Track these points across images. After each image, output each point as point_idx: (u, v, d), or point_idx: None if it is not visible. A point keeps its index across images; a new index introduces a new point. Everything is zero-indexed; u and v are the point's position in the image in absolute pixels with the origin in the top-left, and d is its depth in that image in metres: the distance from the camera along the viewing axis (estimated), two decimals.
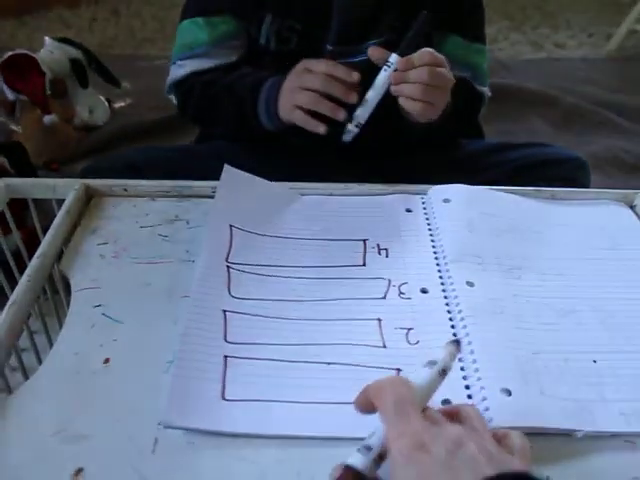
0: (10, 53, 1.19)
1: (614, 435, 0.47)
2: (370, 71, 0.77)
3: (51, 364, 0.51)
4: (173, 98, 0.93)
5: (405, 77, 0.69)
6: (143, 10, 2.40)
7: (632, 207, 0.74)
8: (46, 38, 1.29)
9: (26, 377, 0.60)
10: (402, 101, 0.70)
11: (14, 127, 1.16)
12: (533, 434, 0.45)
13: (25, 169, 0.94)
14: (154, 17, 2.33)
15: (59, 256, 0.63)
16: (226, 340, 0.52)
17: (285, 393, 0.48)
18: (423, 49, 0.70)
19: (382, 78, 0.70)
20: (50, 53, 1.25)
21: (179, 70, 0.88)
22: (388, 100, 0.72)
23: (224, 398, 0.47)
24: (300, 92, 0.72)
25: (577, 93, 1.74)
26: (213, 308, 0.55)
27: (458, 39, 0.87)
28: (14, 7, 2.21)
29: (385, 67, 0.70)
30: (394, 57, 0.69)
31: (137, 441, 0.45)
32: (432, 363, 0.40)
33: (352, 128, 0.72)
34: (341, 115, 0.71)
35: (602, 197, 0.74)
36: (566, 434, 0.46)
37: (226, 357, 0.51)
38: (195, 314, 0.54)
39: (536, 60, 2.09)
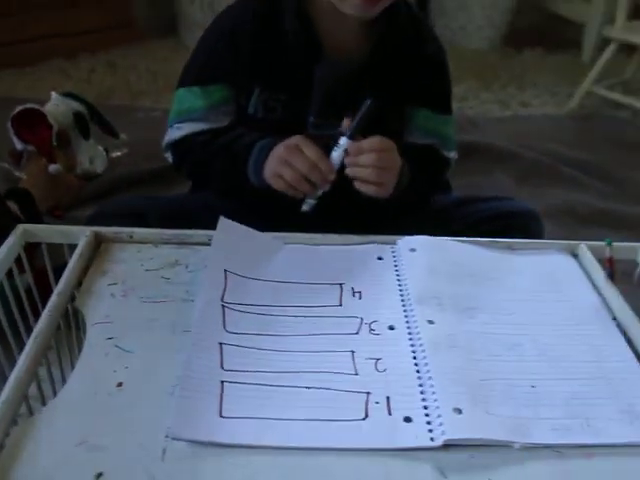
0: (20, 107, 1.29)
1: (546, 447, 0.56)
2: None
3: (72, 387, 0.59)
4: (169, 156, 0.99)
5: (357, 161, 0.80)
6: (138, 63, 2.52)
7: (575, 256, 0.84)
8: (52, 93, 1.40)
9: (43, 403, 0.68)
10: (356, 184, 0.81)
11: (19, 175, 1.25)
12: (479, 445, 0.55)
13: (33, 215, 1.03)
14: (148, 70, 2.45)
15: (72, 295, 0.72)
16: (222, 368, 0.61)
17: (272, 412, 0.57)
18: (373, 137, 0.81)
19: (334, 157, 0.80)
20: (56, 106, 1.35)
21: (176, 132, 0.94)
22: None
23: (221, 415, 0.56)
24: (286, 167, 0.80)
25: (539, 149, 1.88)
26: (211, 341, 0.64)
27: (427, 112, 0.96)
28: (15, 58, 2.32)
29: (335, 148, 0.80)
30: (344, 140, 0.80)
31: (148, 450, 0.53)
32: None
33: (310, 201, 0.82)
34: (312, 195, 0.82)
35: (550, 247, 0.84)
36: (506, 445, 0.55)
37: (222, 382, 0.59)
38: (196, 346, 0.63)
39: (503, 118, 2.23)
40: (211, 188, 0.97)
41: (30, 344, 0.62)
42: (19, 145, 1.31)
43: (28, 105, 1.30)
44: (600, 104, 2.38)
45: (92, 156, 1.43)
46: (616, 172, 1.79)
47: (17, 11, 2.30)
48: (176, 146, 0.96)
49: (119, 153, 1.51)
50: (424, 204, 0.98)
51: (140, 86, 2.31)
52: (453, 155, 1.01)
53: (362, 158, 0.80)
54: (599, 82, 2.33)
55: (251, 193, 0.90)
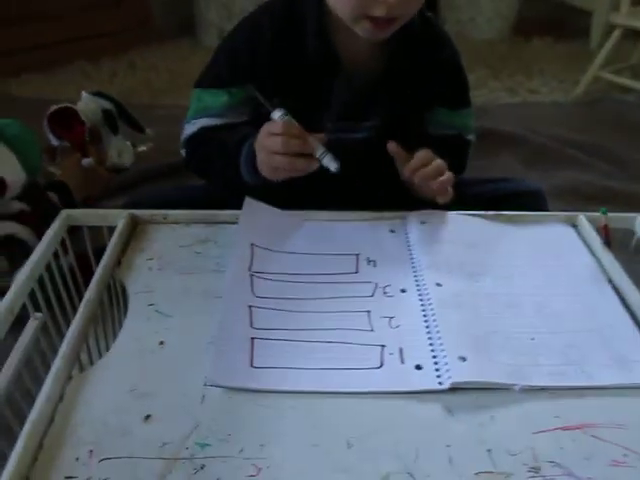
0: (55, 106, 1.38)
1: (543, 389, 0.62)
2: (368, 147, 0.95)
3: (120, 345, 0.67)
4: (183, 153, 1.01)
5: (426, 175, 0.85)
6: (158, 63, 2.60)
7: (574, 227, 0.90)
8: (82, 92, 1.49)
9: (91, 362, 0.75)
10: (423, 192, 0.88)
11: (53, 170, 1.34)
12: (483, 389, 0.62)
13: (70, 204, 1.11)
14: (167, 70, 2.53)
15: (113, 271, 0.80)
16: (252, 326, 0.68)
17: (297, 362, 0.64)
18: (420, 151, 0.86)
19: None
20: (86, 105, 1.44)
21: (192, 127, 0.96)
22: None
23: (252, 365, 0.64)
24: (272, 156, 0.80)
25: (545, 133, 1.94)
26: (241, 304, 0.71)
27: (444, 110, 1.00)
28: (41, 62, 2.42)
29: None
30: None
31: (189, 396, 0.60)
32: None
33: (325, 159, 0.80)
34: (314, 165, 0.80)
35: (550, 219, 0.91)
36: (507, 388, 0.62)
37: (252, 338, 0.67)
38: (228, 309, 0.70)
39: (511, 104, 2.29)
40: (213, 185, 1.00)
41: (81, 310, 0.70)
42: (54, 141, 1.40)
43: (62, 104, 1.39)
44: (607, 89, 2.42)
45: (120, 150, 1.52)
46: (620, 153, 1.85)
47: (40, 17, 2.39)
48: (189, 142, 0.98)
49: (144, 147, 1.59)
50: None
51: (160, 85, 2.38)
52: (472, 137, 1.06)
53: (428, 171, 0.85)
54: (605, 67, 2.38)
55: (249, 190, 0.88)
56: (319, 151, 0.80)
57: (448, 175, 0.86)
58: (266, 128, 0.82)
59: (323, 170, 0.81)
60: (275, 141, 0.79)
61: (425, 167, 0.85)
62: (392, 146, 0.88)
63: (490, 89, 2.41)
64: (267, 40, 0.91)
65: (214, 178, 0.98)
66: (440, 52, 0.96)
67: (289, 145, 0.79)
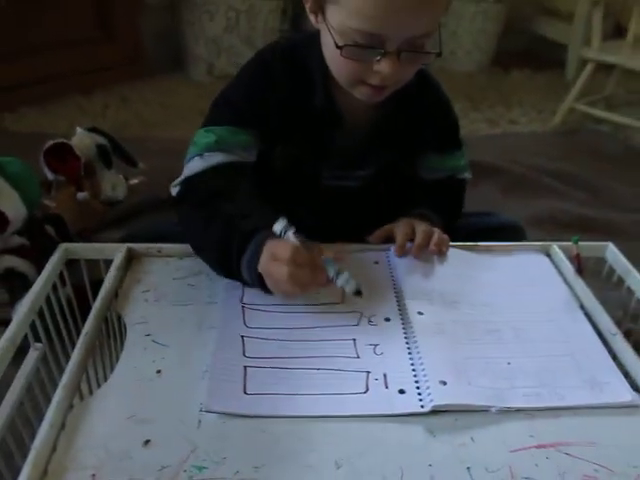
0: (51, 142, 1.43)
1: (519, 410, 0.66)
2: (360, 195, 1.00)
3: (119, 374, 0.70)
4: (177, 190, 0.91)
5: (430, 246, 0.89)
6: (149, 97, 2.64)
7: (548, 255, 0.95)
8: (77, 128, 1.53)
9: (91, 394, 0.78)
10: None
11: (48, 202, 1.38)
12: (462, 411, 0.66)
13: (66, 237, 1.15)
14: (159, 104, 2.58)
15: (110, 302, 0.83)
16: (244, 355, 0.72)
17: (287, 388, 0.68)
18: (420, 234, 0.90)
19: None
20: (81, 140, 1.48)
21: (201, 163, 0.89)
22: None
23: (245, 392, 0.67)
24: (279, 283, 0.74)
25: (524, 163, 2.00)
26: (234, 334, 0.75)
27: (436, 155, 1.04)
28: (36, 96, 2.47)
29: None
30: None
31: (186, 421, 0.64)
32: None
33: (343, 282, 0.74)
34: (322, 281, 0.75)
35: (525, 249, 0.96)
36: (485, 410, 0.66)
37: (245, 367, 0.71)
38: (221, 339, 0.74)
39: (491, 136, 2.36)
40: (191, 243, 0.88)
41: (80, 341, 0.74)
42: (50, 175, 1.44)
43: (58, 139, 1.43)
44: (582, 120, 2.51)
45: (114, 184, 1.56)
46: (595, 182, 1.92)
47: (35, 52, 2.44)
48: (194, 179, 0.89)
49: (137, 181, 1.63)
50: (452, 224, 1.03)
51: (151, 118, 2.43)
52: (467, 175, 1.10)
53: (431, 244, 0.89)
54: (580, 99, 2.46)
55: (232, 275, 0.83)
56: (331, 272, 0.74)
57: (445, 240, 0.91)
58: (271, 249, 0.75)
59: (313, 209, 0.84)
60: (281, 271, 0.72)
61: (425, 243, 0.90)
62: (373, 237, 0.94)
63: (471, 120, 2.49)
64: (281, 86, 0.92)
65: (199, 240, 0.86)
66: (431, 100, 0.99)
67: (297, 278, 0.72)
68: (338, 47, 0.79)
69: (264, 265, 0.75)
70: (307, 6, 0.85)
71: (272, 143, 0.95)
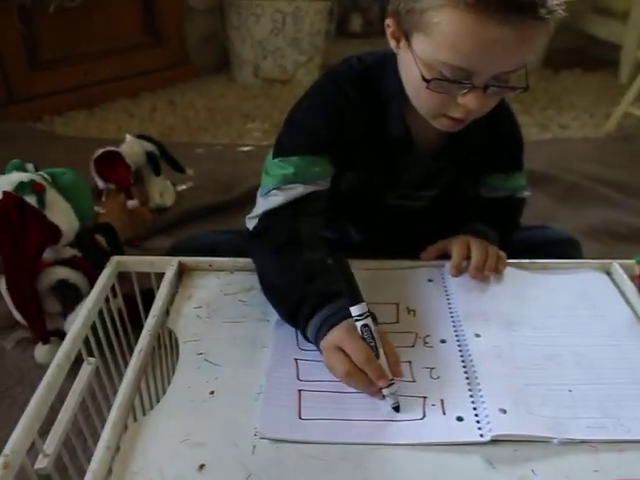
0: (101, 150, 1.45)
1: (582, 442, 0.64)
2: (423, 214, 0.98)
3: (172, 395, 0.70)
4: (254, 224, 0.88)
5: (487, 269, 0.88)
6: (195, 100, 2.66)
7: (608, 274, 0.92)
8: (127, 135, 1.55)
9: (144, 413, 0.78)
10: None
11: (97, 209, 1.39)
12: (523, 441, 0.64)
13: (116, 246, 1.16)
14: (205, 107, 2.59)
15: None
16: (299, 379, 0.71)
17: (343, 414, 0.67)
18: (476, 255, 0.88)
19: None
20: (131, 147, 1.50)
21: (280, 197, 0.86)
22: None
23: (300, 418, 0.66)
24: (333, 371, 0.71)
25: (576, 171, 1.95)
26: (288, 356, 0.74)
27: (500, 175, 1.02)
28: (86, 100, 2.51)
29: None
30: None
31: (240, 446, 0.63)
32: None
33: (389, 396, 0.69)
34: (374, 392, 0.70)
35: (583, 267, 0.93)
36: (546, 441, 0.64)
37: (300, 390, 0.70)
38: (275, 361, 0.73)
39: (542, 141, 2.30)
40: (262, 280, 0.84)
41: (134, 359, 0.74)
42: (100, 183, 1.46)
43: (108, 148, 1.45)
44: (638, 125, 2.43)
45: (162, 191, 1.57)
46: None
47: (82, 57, 2.50)
48: (270, 214, 0.86)
49: (185, 187, 1.65)
50: (509, 243, 1.00)
51: (198, 122, 2.44)
52: (526, 194, 1.08)
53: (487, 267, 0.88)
54: (636, 103, 2.38)
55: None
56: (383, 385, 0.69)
57: (502, 258, 0.90)
58: (341, 339, 0.70)
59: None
60: (341, 367, 0.69)
61: (483, 262, 0.88)
62: (426, 254, 0.93)
63: (522, 124, 2.42)
64: (358, 112, 0.89)
65: (271, 282, 0.82)
66: (500, 125, 0.97)
67: (352, 378, 0.69)
68: (425, 80, 0.77)
69: (327, 347, 0.71)
70: (388, 31, 0.83)
71: (342, 168, 0.93)
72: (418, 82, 0.78)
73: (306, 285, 0.77)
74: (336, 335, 0.71)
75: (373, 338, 0.69)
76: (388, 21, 0.82)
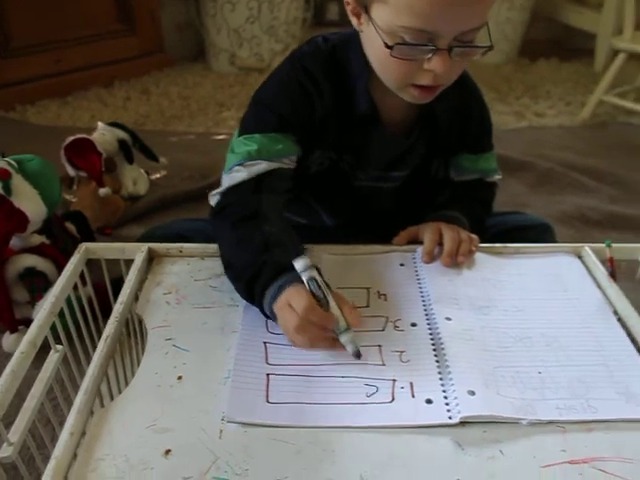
0: (72, 137, 1.42)
1: (550, 422, 0.64)
2: (392, 196, 0.98)
3: (139, 380, 0.69)
4: (216, 200, 0.88)
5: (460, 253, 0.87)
6: (170, 89, 2.64)
7: (580, 257, 0.92)
8: (99, 123, 1.53)
9: (112, 399, 0.77)
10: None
11: (69, 198, 1.37)
12: (491, 422, 0.64)
13: (87, 234, 1.14)
14: (180, 96, 2.57)
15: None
16: (267, 362, 0.71)
17: (311, 397, 0.66)
18: (448, 241, 0.87)
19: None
20: (103, 135, 1.48)
21: (243, 173, 0.86)
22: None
23: (268, 401, 0.66)
24: (286, 330, 0.72)
25: (552, 158, 1.96)
26: (256, 340, 0.73)
27: (469, 156, 1.02)
28: (58, 89, 2.48)
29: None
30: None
31: (207, 431, 0.62)
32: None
33: (348, 345, 0.71)
34: (330, 343, 0.72)
35: (556, 251, 0.93)
36: (515, 422, 0.64)
37: (268, 374, 0.69)
38: (243, 344, 0.73)
39: (518, 129, 2.31)
40: (222, 253, 0.85)
41: (100, 345, 0.73)
42: (71, 171, 1.43)
43: (79, 135, 1.43)
44: (612, 112, 2.45)
45: (135, 179, 1.55)
46: (626, 177, 1.88)
47: (56, 45, 2.46)
48: (233, 189, 0.87)
49: (158, 175, 1.63)
50: (481, 227, 1.01)
51: (173, 111, 2.42)
52: (497, 177, 1.08)
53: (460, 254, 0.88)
54: (610, 91, 2.40)
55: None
56: (338, 328, 0.71)
57: (474, 240, 0.90)
58: (288, 295, 0.71)
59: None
60: (292, 320, 0.70)
61: (455, 250, 0.88)
62: (398, 239, 0.92)
63: (497, 112, 2.44)
64: (324, 93, 0.89)
65: (231, 258, 0.82)
66: (469, 103, 0.97)
67: (305, 331, 0.70)
68: (388, 47, 0.76)
69: (279, 308, 0.72)
70: (348, 8, 0.82)
71: (310, 148, 0.93)
72: (382, 53, 0.78)
73: (263, 256, 0.76)
74: (284, 294, 0.72)
75: (320, 289, 0.69)
76: None
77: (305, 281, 0.71)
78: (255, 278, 0.75)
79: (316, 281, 0.70)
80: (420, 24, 0.74)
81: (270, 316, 0.75)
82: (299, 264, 0.71)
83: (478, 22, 0.76)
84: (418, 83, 0.81)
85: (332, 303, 0.70)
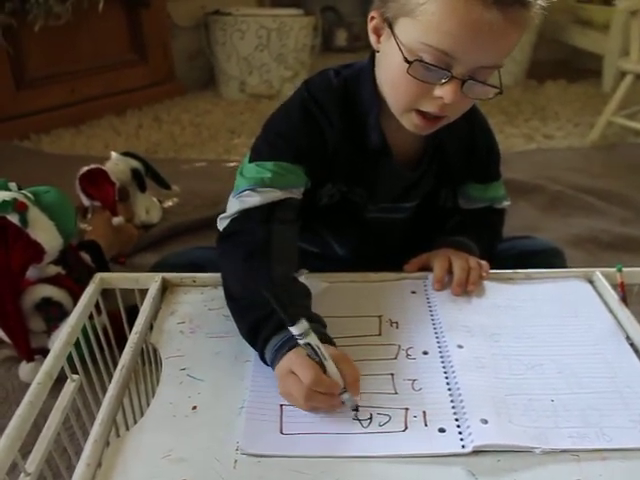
0: (86, 168, 1.45)
1: (563, 451, 0.64)
2: (404, 228, 0.99)
3: (154, 411, 0.70)
4: (225, 225, 0.88)
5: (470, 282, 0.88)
6: (181, 116, 2.67)
7: (591, 282, 0.92)
8: (112, 153, 1.56)
9: (127, 428, 0.78)
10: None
11: (83, 227, 1.39)
12: (505, 451, 0.64)
13: (102, 263, 1.16)
14: (191, 123, 2.60)
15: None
16: None
17: (325, 428, 0.66)
18: (458, 270, 0.88)
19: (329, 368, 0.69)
20: (116, 165, 1.51)
21: (254, 199, 0.85)
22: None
23: (282, 432, 0.66)
24: (292, 398, 0.69)
25: (562, 180, 1.97)
26: (269, 370, 0.74)
27: (477, 185, 1.03)
28: (72, 118, 2.52)
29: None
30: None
31: (222, 461, 0.63)
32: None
33: (348, 403, 0.69)
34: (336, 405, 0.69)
35: (566, 276, 0.93)
36: (529, 451, 0.64)
37: (281, 405, 0.69)
38: (257, 374, 0.73)
39: (527, 152, 2.32)
40: (225, 287, 0.84)
41: (116, 375, 0.73)
42: (85, 201, 1.46)
43: (93, 165, 1.45)
44: (621, 133, 2.45)
45: (148, 207, 1.57)
46: (637, 198, 1.88)
47: (69, 75, 2.50)
48: (246, 213, 0.85)
49: (171, 203, 1.65)
50: (491, 253, 1.01)
51: (184, 138, 2.45)
52: (505, 204, 1.09)
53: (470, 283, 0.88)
54: (619, 112, 2.40)
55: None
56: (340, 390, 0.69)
57: (485, 266, 0.91)
58: (293, 364, 0.69)
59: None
60: (299, 391, 0.67)
61: (465, 279, 0.88)
62: (408, 267, 0.93)
63: (506, 135, 2.45)
64: (335, 126, 0.90)
65: (234, 292, 0.82)
66: (477, 137, 0.98)
67: (312, 401, 0.68)
68: (407, 62, 0.77)
69: (282, 375, 0.70)
70: (371, 25, 0.83)
71: (321, 181, 0.94)
72: (398, 71, 0.79)
73: (266, 308, 0.72)
74: (286, 360, 0.70)
75: (317, 354, 0.68)
76: (372, 13, 0.83)
77: (302, 344, 0.68)
78: (257, 328, 0.74)
79: (312, 347, 0.68)
80: (444, 45, 0.74)
81: (268, 365, 0.73)
82: (296, 329, 0.67)
83: (496, 60, 0.78)
84: (424, 109, 0.82)
85: (329, 369, 0.68)
